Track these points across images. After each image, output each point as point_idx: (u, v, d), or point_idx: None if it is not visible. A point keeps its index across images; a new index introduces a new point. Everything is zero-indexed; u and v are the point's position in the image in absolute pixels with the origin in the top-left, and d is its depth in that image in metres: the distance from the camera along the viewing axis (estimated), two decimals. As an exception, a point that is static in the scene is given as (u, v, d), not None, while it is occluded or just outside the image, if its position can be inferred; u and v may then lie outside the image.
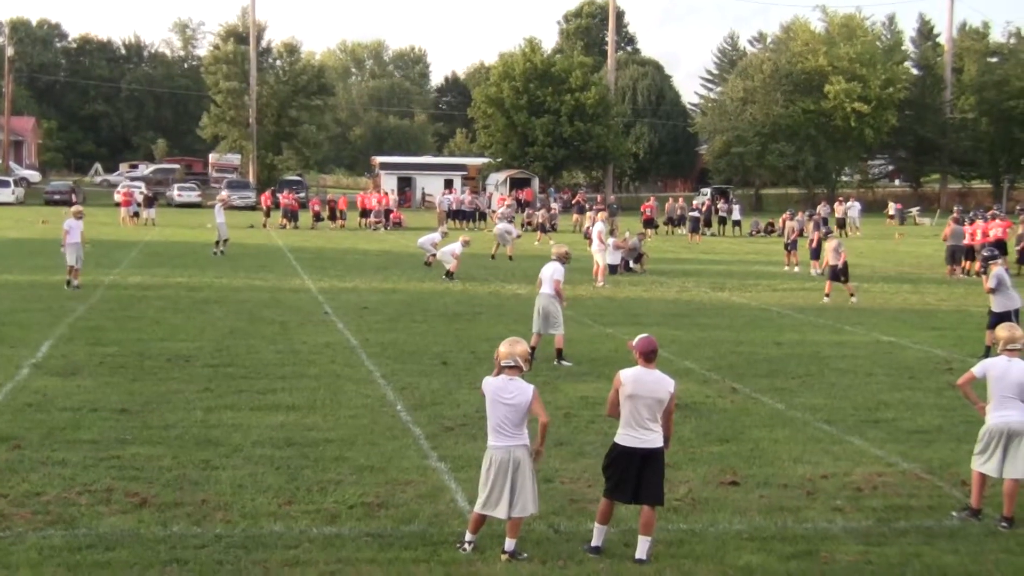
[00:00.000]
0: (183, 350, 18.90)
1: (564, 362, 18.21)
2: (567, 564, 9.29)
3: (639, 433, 9.47)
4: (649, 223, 55.84)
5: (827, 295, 28.74)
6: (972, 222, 40.65)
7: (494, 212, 59.88)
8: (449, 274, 31.80)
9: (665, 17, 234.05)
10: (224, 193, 41.80)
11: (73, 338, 19.95)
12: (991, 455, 10.71)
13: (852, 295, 28.55)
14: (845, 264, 28.96)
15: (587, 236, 45.59)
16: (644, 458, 9.46)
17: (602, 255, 32.61)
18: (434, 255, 34.40)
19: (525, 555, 9.38)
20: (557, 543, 9.77)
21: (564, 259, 19.03)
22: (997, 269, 20.56)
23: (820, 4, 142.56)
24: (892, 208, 74.40)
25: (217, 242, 39.02)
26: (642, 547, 9.41)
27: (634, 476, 9.45)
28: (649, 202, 59.62)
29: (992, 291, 20.14)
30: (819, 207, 62.70)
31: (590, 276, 32.69)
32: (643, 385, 9.50)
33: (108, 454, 12.17)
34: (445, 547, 9.58)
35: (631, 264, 35.91)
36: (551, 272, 18.65)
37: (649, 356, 9.62)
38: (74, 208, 29.46)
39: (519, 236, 42.25)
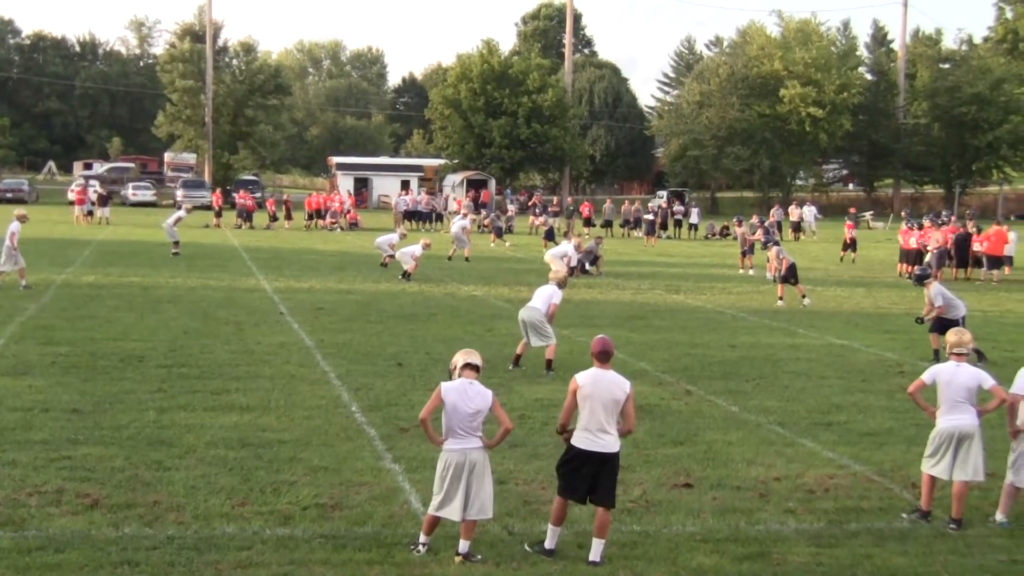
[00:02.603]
0: (136, 350, 18.77)
1: (550, 372, 17.95)
2: (520, 566, 9.31)
3: (596, 436, 9.50)
4: (587, 222, 59.04)
5: (780, 299, 28.95)
6: (922, 227, 41.07)
7: (452, 214, 59.88)
8: (406, 275, 31.74)
9: (622, 20, 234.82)
10: (182, 213, 41.23)
11: (24, 337, 19.75)
12: (941, 458, 10.85)
13: (804, 296, 28.76)
14: (793, 267, 29.16)
15: (547, 238, 45.98)
16: (600, 462, 9.49)
17: (561, 264, 32.43)
18: (391, 256, 34.31)
19: (479, 557, 9.39)
20: (511, 545, 9.79)
21: (563, 284, 18.87)
22: (935, 287, 20.65)
23: (776, 9, 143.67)
24: (808, 213, 65.90)
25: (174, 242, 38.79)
26: (596, 549, 9.44)
27: (588, 477, 9.49)
28: (606, 203, 61.70)
29: (942, 310, 20.25)
30: (772, 211, 62.98)
31: (545, 280, 32.87)
32: (599, 386, 9.53)
33: (59, 455, 12.07)
34: (399, 548, 9.57)
35: (587, 266, 35.98)
36: (549, 294, 18.29)
37: (602, 357, 9.66)
38: (18, 211, 28.90)
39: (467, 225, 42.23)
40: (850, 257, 44.99)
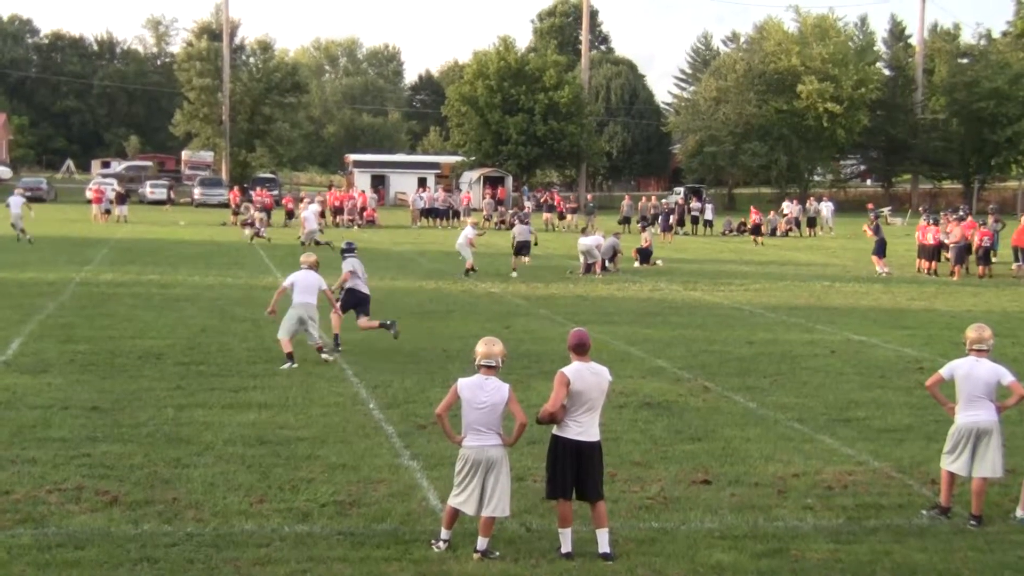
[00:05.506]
0: (155, 348, 18.83)
1: (290, 363, 17.61)
2: (539, 562, 9.31)
3: (581, 426, 9.53)
4: (561, 216, 62.40)
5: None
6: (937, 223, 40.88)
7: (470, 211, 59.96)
8: (468, 270, 32.76)
9: (639, 17, 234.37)
10: (17, 199, 42.59)
11: (43, 335, 19.83)
12: (960, 454, 10.79)
13: (571, 272, 30.02)
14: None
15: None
16: (587, 452, 9.52)
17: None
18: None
19: (497, 553, 9.39)
20: (529, 541, 9.79)
21: (315, 266, 18.61)
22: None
23: (793, 4, 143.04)
24: (825, 208, 64.61)
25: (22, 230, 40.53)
26: (602, 540, 9.45)
27: (573, 469, 9.48)
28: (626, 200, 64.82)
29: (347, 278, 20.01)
30: (784, 204, 63.42)
31: (560, 275, 33.33)
32: (587, 379, 9.57)
33: (78, 452, 12.12)
34: (417, 545, 9.58)
35: (606, 263, 35.93)
36: (316, 282, 18.23)
37: (579, 349, 9.71)
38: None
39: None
40: (760, 241, 51.11)
